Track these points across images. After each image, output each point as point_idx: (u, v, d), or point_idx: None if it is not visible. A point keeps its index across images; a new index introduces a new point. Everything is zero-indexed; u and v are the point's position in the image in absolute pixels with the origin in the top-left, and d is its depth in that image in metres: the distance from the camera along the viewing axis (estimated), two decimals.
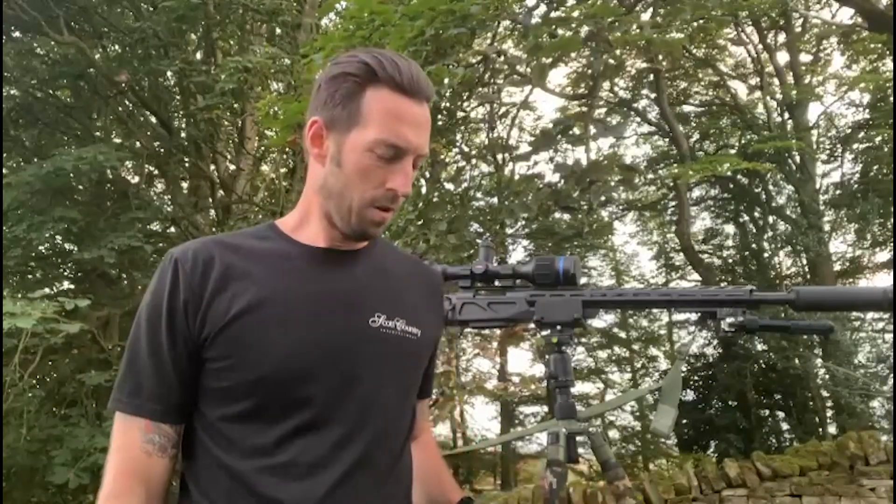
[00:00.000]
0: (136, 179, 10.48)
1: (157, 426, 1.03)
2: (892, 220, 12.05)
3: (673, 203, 13.56)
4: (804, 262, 12.63)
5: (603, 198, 6.50)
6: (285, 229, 1.13)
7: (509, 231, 7.91)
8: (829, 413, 11.76)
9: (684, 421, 11.82)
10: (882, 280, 13.21)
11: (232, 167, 10.65)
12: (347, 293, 1.09)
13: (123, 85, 9.24)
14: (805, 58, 12.80)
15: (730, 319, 1.31)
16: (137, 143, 10.18)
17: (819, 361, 11.19)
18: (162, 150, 10.14)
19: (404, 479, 1.15)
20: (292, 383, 1.01)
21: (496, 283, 1.53)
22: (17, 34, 9.34)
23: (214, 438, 1.03)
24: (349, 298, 1.09)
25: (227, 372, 1.02)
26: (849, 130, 12.90)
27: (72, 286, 9.73)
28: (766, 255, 13.31)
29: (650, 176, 13.54)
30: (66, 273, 10.12)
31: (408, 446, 1.17)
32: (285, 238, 1.12)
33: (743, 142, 12.93)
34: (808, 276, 12.12)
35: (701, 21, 7.68)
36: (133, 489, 1.01)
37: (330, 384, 1.03)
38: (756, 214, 13.18)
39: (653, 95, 11.86)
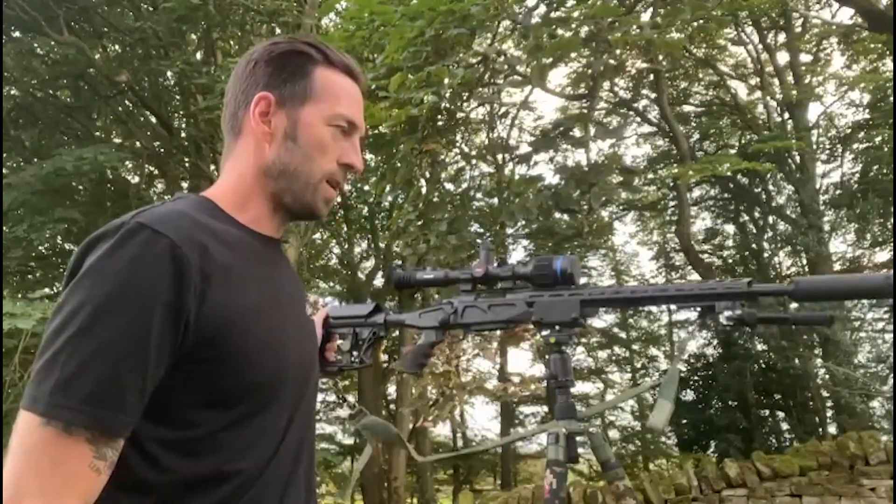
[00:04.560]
0: (136, 179, 10.49)
1: (113, 440, 0.85)
2: (892, 220, 12.05)
3: (673, 203, 13.57)
4: (804, 262, 12.64)
5: (603, 198, 6.50)
6: (227, 209, 1.04)
7: (509, 231, 7.91)
8: (829, 413, 11.76)
9: (684, 421, 11.82)
10: None
11: None
12: (295, 285, 1.12)
13: (123, 85, 9.24)
14: (805, 58, 12.80)
15: (727, 313, 1.31)
16: (137, 143, 10.19)
17: (819, 361, 11.19)
18: (162, 150, 10.15)
19: None
20: (282, 383, 1.00)
21: (497, 285, 1.53)
22: (17, 34, 9.35)
23: (192, 449, 0.92)
24: (296, 290, 1.12)
25: (227, 376, 0.92)
26: (849, 130, 12.92)
27: None
28: (766, 255, 13.32)
29: (650, 176, 13.55)
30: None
31: None
32: (237, 223, 1.04)
33: (743, 142, 12.94)
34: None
35: (701, 21, 7.67)
36: None
37: (302, 380, 1.06)
38: (756, 214, 13.19)
39: (653, 95, 11.85)
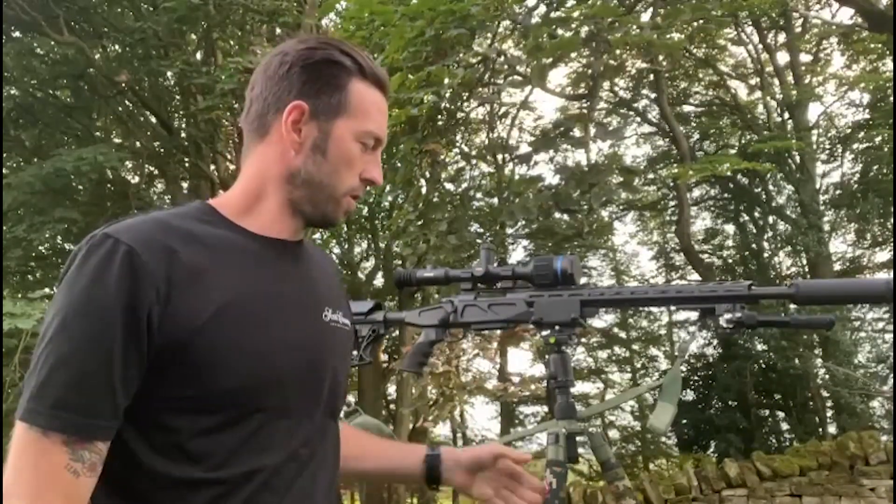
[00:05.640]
0: (136, 179, 10.50)
1: (89, 443, 0.88)
2: (892, 220, 12.05)
3: (673, 203, 13.58)
4: (804, 262, 12.64)
5: (604, 199, 6.50)
6: (228, 214, 1.04)
7: (509, 231, 7.91)
8: (829, 413, 11.76)
9: (684, 421, 11.82)
10: None
11: (232, 167, 10.65)
12: (305, 288, 1.07)
13: (123, 85, 9.25)
14: (805, 58, 12.80)
15: (727, 315, 1.30)
16: (137, 143, 10.19)
17: (819, 361, 11.20)
18: (162, 150, 10.15)
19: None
20: (271, 388, 0.97)
21: (498, 284, 1.53)
22: (17, 34, 9.35)
23: (171, 453, 0.92)
24: (306, 294, 1.07)
25: (202, 379, 0.92)
26: (849, 130, 12.92)
27: None
28: (766, 255, 13.33)
29: (650, 176, 13.55)
30: None
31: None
32: (233, 226, 1.03)
33: (743, 142, 12.94)
34: (808, 276, 12.11)
35: (701, 21, 7.68)
36: None
37: (302, 387, 1.01)
38: (756, 214, 13.19)
39: (653, 95, 11.86)
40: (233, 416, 0.95)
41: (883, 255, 13.26)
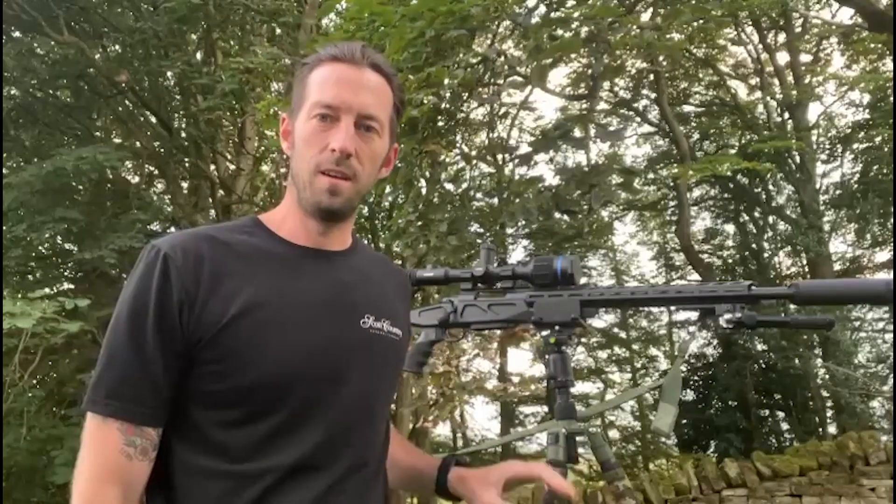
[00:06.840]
0: (136, 179, 10.50)
1: (139, 429, 0.98)
2: (892, 220, 12.05)
3: (673, 203, 13.58)
4: (804, 262, 12.64)
5: (604, 199, 6.49)
6: (270, 225, 1.12)
7: (509, 231, 7.91)
8: (829, 413, 11.76)
9: (684, 421, 11.82)
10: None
11: (232, 167, 10.65)
12: (338, 294, 1.10)
13: (123, 85, 9.24)
14: (805, 58, 12.80)
15: (727, 316, 1.30)
16: (137, 143, 10.18)
17: (819, 361, 11.19)
18: (162, 150, 10.14)
19: (384, 479, 1.17)
20: (288, 388, 1.01)
21: (497, 284, 1.53)
22: (17, 34, 9.34)
23: (196, 444, 1.00)
24: (340, 299, 1.09)
25: (222, 376, 0.99)
26: (849, 130, 12.91)
27: (72, 286, 9.72)
28: (766, 255, 13.32)
29: (650, 176, 13.55)
30: (66, 273, 10.12)
31: (387, 446, 1.18)
32: (271, 235, 1.10)
33: (743, 142, 12.93)
34: (808, 276, 12.11)
35: (701, 21, 7.67)
36: (111, 495, 0.96)
37: (323, 387, 1.03)
38: (756, 214, 13.19)
39: (653, 96, 11.86)
40: (249, 412, 1.00)
41: (883, 255, 13.26)
